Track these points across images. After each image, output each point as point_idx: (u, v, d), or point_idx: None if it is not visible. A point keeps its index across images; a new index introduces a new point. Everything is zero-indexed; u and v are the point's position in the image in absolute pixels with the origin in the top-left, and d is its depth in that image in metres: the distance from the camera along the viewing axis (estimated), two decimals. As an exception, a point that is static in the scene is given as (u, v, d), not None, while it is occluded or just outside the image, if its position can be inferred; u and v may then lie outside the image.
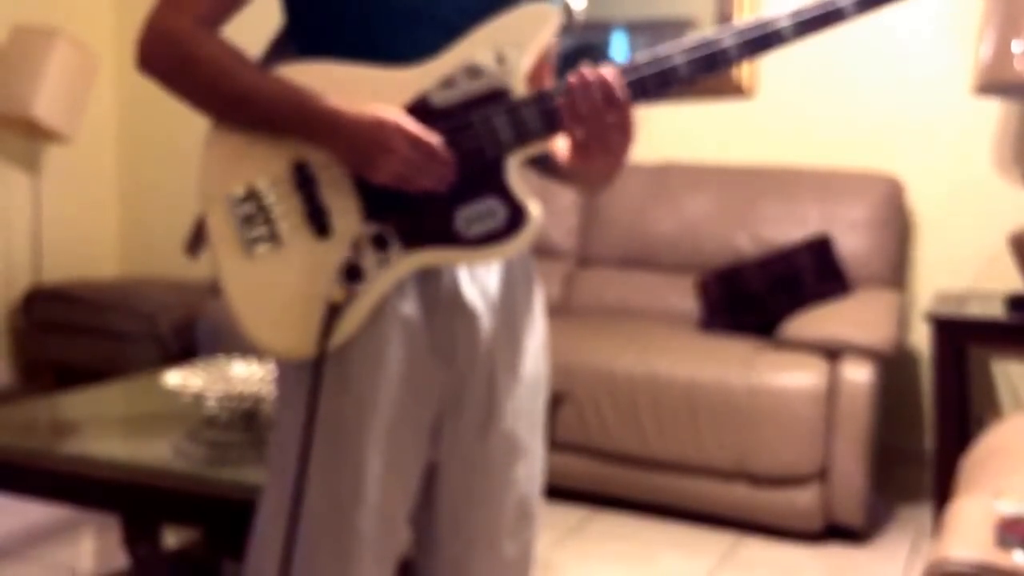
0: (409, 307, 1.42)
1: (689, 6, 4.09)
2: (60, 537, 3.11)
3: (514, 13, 1.39)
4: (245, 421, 2.27)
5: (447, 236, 1.38)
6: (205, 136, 1.41)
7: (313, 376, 1.35)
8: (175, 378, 2.34)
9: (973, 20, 3.47)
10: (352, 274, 1.36)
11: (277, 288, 1.38)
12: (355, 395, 1.40)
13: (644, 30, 4.17)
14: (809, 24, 1.38)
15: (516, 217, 1.38)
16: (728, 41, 1.37)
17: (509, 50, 1.38)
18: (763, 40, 1.38)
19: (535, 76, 1.51)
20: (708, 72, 1.38)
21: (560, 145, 1.50)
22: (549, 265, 4.00)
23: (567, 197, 4.11)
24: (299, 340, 1.37)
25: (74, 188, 4.94)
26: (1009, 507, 1.69)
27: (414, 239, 1.38)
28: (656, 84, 1.37)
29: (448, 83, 1.37)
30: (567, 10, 1.50)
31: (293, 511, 1.36)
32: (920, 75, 3.80)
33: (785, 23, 1.37)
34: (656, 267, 3.97)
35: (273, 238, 1.38)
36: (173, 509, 2.17)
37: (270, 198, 1.38)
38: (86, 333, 4.36)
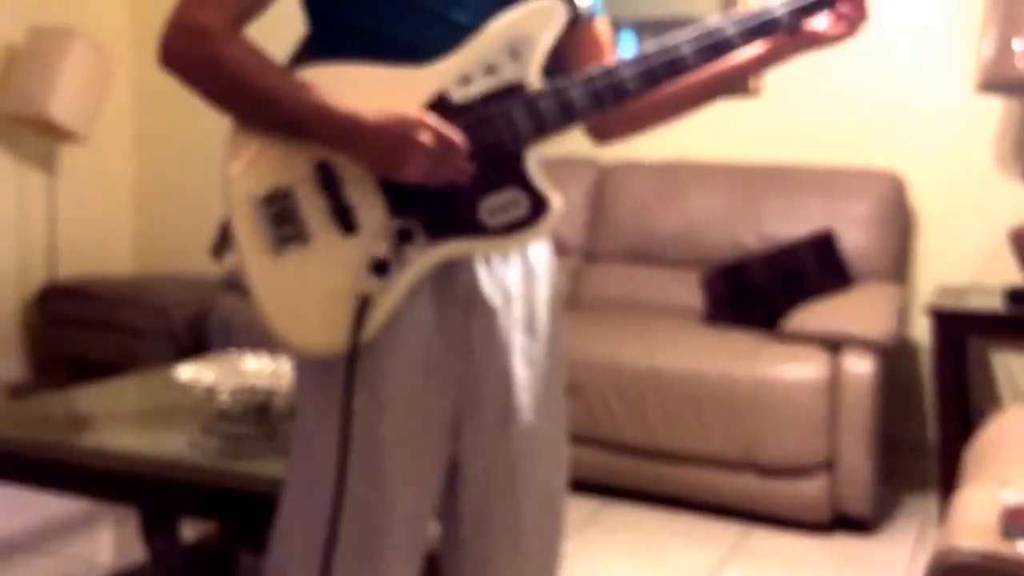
0: (425, 305, 1.43)
1: (696, 5, 4.10)
2: (78, 530, 3.12)
3: (523, 10, 1.42)
4: (258, 414, 2.25)
5: (472, 227, 1.41)
6: (227, 138, 1.41)
7: (347, 372, 1.36)
8: (188, 372, 2.32)
9: (974, 18, 3.50)
10: (380, 268, 1.38)
11: (306, 287, 1.39)
12: (376, 395, 1.42)
13: (652, 29, 4.19)
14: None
15: (538, 206, 1.42)
16: (730, 29, 1.46)
17: (521, 45, 1.41)
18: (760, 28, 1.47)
19: (594, 57, 1.55)
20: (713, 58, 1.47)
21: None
22: (557, 260, 4.01)
23: (576, 193, 4.14)
24: (329, 337, 1.38)
25: (90, 187, 4.95)
26: (1013, 497, 1.72)
27: (439, 231, 1.40)
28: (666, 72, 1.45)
29: (465, 80, 1.40)
30: (574, 5, 1.53)
31: (334, 514, 1.37)
32: (921, 74, 3.82)
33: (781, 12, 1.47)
34: (662, 262, 4.00)
35: (301, 237, 1.38)
36: (188, 501, 2.18)
37: (295, 198, 1.39)
38: (99, 328, 4.37)
